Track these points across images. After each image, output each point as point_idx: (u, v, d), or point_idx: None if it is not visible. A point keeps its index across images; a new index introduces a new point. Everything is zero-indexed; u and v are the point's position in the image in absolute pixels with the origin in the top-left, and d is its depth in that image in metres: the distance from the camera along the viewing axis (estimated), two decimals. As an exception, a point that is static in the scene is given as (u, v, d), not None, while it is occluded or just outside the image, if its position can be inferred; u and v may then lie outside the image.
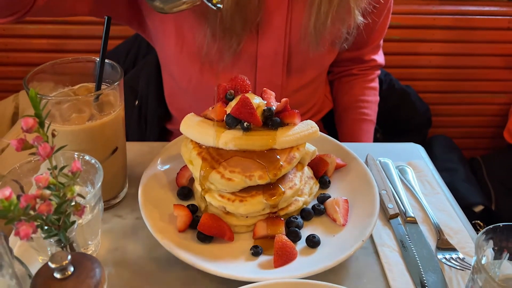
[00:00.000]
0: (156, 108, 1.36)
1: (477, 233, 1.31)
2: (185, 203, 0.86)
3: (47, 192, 0.51)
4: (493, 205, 1.56)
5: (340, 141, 1.39)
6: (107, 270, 0.75)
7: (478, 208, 1.50)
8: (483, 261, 0.68)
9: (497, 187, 1.65)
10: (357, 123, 1.37)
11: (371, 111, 1.38)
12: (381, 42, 1.35)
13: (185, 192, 0.87)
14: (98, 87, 0.78)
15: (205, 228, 0.76)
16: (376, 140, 1.43)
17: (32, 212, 0.51)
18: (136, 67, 1.49)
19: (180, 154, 0.86)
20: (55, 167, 0.60)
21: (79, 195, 0.56)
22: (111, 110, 0.78)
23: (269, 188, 0.80)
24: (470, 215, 1.49)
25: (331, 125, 1.45)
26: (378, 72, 1.43)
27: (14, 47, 1.82)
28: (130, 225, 0.85)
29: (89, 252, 0.77)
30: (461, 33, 1.84)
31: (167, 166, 0.92)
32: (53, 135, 0.58)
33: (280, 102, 0.84)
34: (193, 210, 0.84)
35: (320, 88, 1.32)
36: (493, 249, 0.67)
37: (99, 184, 0.71)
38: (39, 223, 0.54)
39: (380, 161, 1.02)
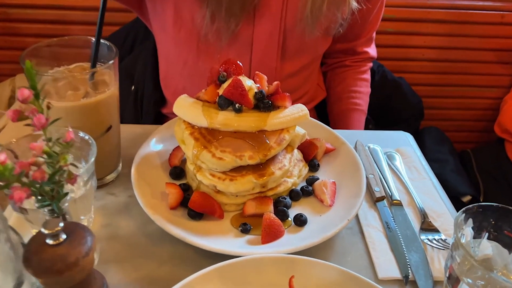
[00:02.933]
0: (152, 93, 1.38)
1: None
2: (177, 182, 0.88)
3: (41, 159, 0.53)
4: (481, 196, 1.59)
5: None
6: (100, 243, 0.77)
7: (466, 198, 1.53)
8: (462, 240, 0.70)
9: (486, 179, 1.68)
10: (348, 112, 1.39)
11: (363, 102, 1.41)
12: (374, 35, 1.38)
13: (177, 171, 0.89)
14: (93, 66, 0.80)
15: (195, 205, 0.79)
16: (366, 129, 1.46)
17: (26, 180, 0.53)
18: (133, 52, 1.51)
19: (173, 136, 0.88)
20: (50, 139, 0.61)
21: (72, 164, 0.58)
22: (106, 89, 0.80)
23: (259, 168, 0.82)
24: (458, 204, 1.50)
25: (324, 114, 1.47)
26: (370, 64, 1.46)
27: (10, 31, 1.83)
28: (123, 203, 0.87)
29: (82, 227, 0.79)
30: (455, 27, 1.86)
31: (160, 147, 0.94)
32: (48, 108, 0.59)
33: (272, 85, 0.86)
34: (185, 189, 0.86)
35: (313, 76, 1.35)
36: (472, 228, 0.70)
37: (93, 158, 0.73)
38: (33, 191, 0.56)
39: (369, 147, 1.05)
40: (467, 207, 0.69)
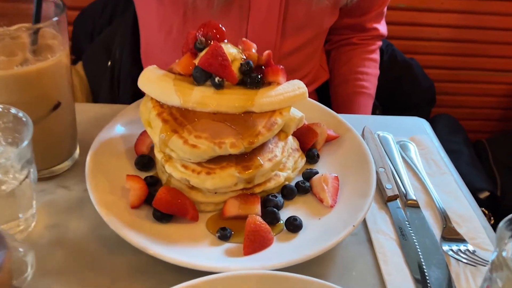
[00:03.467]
0: (130, 69, 1.21)
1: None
2: (144, 175, 0.72)
3: None
4: (498, 191, 1.43)
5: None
6: (40, 250, 0.61)
7: (484, 194, 1.38)
8: (505, 256, 0.54)
9: (503, 172, 1.52)
10: (354, 96, 1.23)
11: (370, 84, 1.25)
12: (385, 10, 1.22)
13: (144, 161, 0.72)
14: (36, 20, 0.63)
15: (162, 205, 0.62)
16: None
17: None
18: (112, 25, 1.34)
19: (142, 118, 0.71)
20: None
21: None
22: (50, 55, 0.63)
23: (244, 159, 0.66)
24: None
25: (327, 97, 1.31)
26: (380, 43, 1.30)
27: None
28: (76, 198, 0.71)
29: (19, 228, 0.63)
30: (472, 3, 1.68)
31: (126, 130, 0.77)
32: None
33: (262, 55, 0.70)
34: (153, 182, 0.70)
35: (316, 54, 1.19)
36: (516, 241, 0.54)
37: (26, 142, 0.57)
38: None
39: (378, 135, 0.88)
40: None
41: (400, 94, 1.56)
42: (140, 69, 1.20)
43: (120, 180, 0.68)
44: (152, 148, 0.75)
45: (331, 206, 0.68)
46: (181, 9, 1.00)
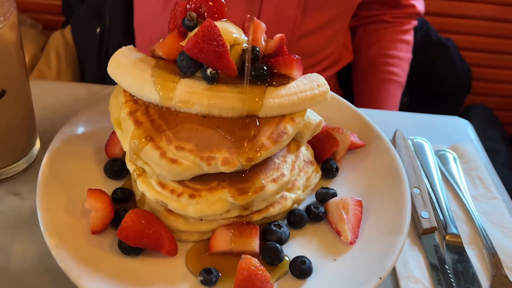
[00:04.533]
0: (121, 39, 1.05)
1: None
2: (115, 184, 0.57)
3: None
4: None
5: (358, 105, 1.09)
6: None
7: (521, 203, 1.20)
8: None
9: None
10: (382, 83, 1.06)
11: (401, 71, 1.08)
12: None
13: (115, 167, 0.57)
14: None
15: (128, 236, 0.47)
16: (401, 105, 1.13)
17: None
18: (106, -15, 1.16)
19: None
20: None
21: None
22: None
23: (240, 178, 0.50)
24: None
25: (348, 82, 1.13)
26: (415, 22, 1.12)
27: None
28: (29, 210, 0.56)
29: None
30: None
31: (98, 124, 0.61)
32: None
33: (273, 39, 0.53)
34: (123, 197, 0.55)
35: (340, 33, 1.02)
36: None
37: None
38: None
39: (412, 141, 0.72)
40: None
41: (433, 79, 1.37)
42: (132, 41, 1.04)
43: (82, 192, 0.53)
44: (127, 150, 0.59)
45: (351, 243, 0.52)
46: None
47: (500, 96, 1.68)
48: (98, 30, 1.08)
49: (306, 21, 0.91)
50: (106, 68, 1.10)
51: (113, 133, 0.59)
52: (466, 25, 1.55)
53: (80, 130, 0.60)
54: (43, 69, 1.11)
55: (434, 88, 1.38)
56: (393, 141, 0.70)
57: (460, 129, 0.80)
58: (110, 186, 0.57)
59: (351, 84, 1.15)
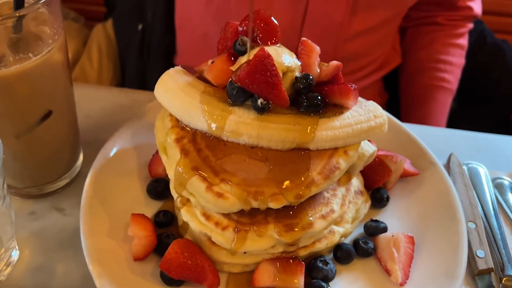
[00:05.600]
0: (163, 37, 1.04)
1: None
2: (157, 205, 0.56)
3: None
4: None
5: (404, 112, 1.04)
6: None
7: None
8: None
9: None
10: (431, 90, 1.01)
11: (452, 77, 1.02)
12: None
13: (159, 189, 0.56)
14: (18, 3, 0.45)
15: (171, 268, 0.46)
16: (450, 110, 1.07)
17: None
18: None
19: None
20: None
21: None
22: (34, 52, 0.45)
23: (287, 213, 0.47)
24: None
25: (395, 86, 1.08)
26: (471, 25, 1.05)
27: None
28: (72, 227, 0.56)
29: (-7, 273, 0.49)
30: None
31: (142, 141, 0.60)
32: None
33: (328, 64, 0.49)
34: (166, 221, 0.54)
35: (389, 36, 0.96)
36: None
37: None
38: None
39: (468, 167, 0.67)
40: None
41: (485, 84, 1.29)
42: (174, 38, 1.02)
43: (126, 214, 0.52)
44: (170, 170, 0.58)
45: (401, 285, 0.50)
46: None
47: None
48: (140, 27, 1.07)
49: (354, 24, 0.86)
50: (147, 65, 1.09)
51: (157, 152, 0.57)
52: (525, 25, 1.45)
53: (123, 145, 0.59)
54: (85, 65, 1.11)
55: (485, 92, 1.30)
56: (447, 166, 0.66)
57: (519, 151, 0.74)
58: (152, 206, 0.56)
59: (398, 88, 1.10)
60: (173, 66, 1.05)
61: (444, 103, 1.01)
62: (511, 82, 1.30)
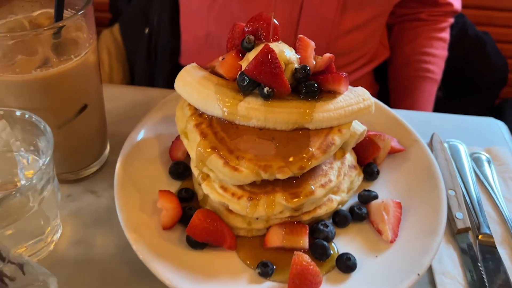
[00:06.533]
0: (169, 39, 1.12)
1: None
2: (179, 185, 0.64)
3: None
4: None
5: (393, 102, 1.13)
6: (64, 272, 0.56)
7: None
8: None
9: None
10: (417, 80, 1.09)
11: (437, 68, 1.10)
12: None
13: (179, 170, 0.64)
14: (58, 16, 0.53)
15: (196, 232, 0.55)
16: (436, 99, 1.15)
17: None
18: (152, -15, 1.22)
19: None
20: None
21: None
22: (74, 54, 0.54)
23: (292, 184, 0.56)
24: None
25: (384, 78, 1.17)
26: (452, 20, 1.13)
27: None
28: (105, 207, 0.64)
29: (43, 246, 0.57)
30: None
31: (161, 130, 0.69)
32: None
33: (322, 57, 0.58)
34: (187, 197, 0.62)
35: (377, 32, 1.04)
36: None
37: (48, 159, 0.49)
38: None
39: (449, 144, 0.76)
40: None
41: (468, 73, 1.38)
42: (179, 39, 1.10)
43: (152, 192, 0.61)
44: (188, 154, 0.66)
45: (391, 242, 0.58)
46: None
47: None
48: (146, 30, 1.15)
49: (345, 21, 0.94)
50: (155, 67, 1.17)
51: (176, 138, 0.66)
52: (504, 17, 1.54)
53: (145, 135, 0.68)
54: (97, 68, 1.19)
55: (469, 82, 1.39)
56: (430, 144, 0.75)
57: (495, 131, 0.83)
58: (173, 185, 0.64)
59: (387, 79, 1.18)
60: (178, 66, 1.14)
61: (430, 92, 1.10)
62: (492, 71, 1.40)
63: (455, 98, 1.36)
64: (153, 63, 1.16)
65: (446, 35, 1.12)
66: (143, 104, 0.79)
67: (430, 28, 1.10)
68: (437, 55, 1.10)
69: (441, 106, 1.23)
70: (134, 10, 1.22)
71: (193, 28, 1.06)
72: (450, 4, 1.08)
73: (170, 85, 1.09)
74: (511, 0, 1.51)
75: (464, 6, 1.18)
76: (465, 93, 1.39)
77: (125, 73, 1.22)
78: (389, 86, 1.15)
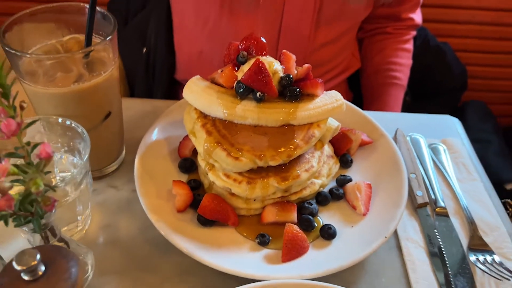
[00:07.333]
0: (165, 57, 1.23)
1: (508, 213, 1.19)
2: (187, 177, 0.77)
3: (7, 184, 0.42)
4: (526, 181, 1.44)
5: (366, 106, 1.28)
6: (96, 251, 0.67)
7: (510, 186, 1.39)
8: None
9: (532, 161, 1.51)
10: (386, 87, 1.23)
11: (403, 75, 1.25)
12: (421, 0, 1.20)
13: (187, 165, 0.77)
14: (88, 41, 0.66)
15: (206, 212, 0.67)
16: (404, 103, 1.31)
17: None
18: (146, 8, 1.35)
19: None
20: (28, 143, 0.50)
21: (47, 185, 0.46)
22: (103, 70, 0.67)
23: (282, 170, 0.69)
24: (501, 192, 1.36)
25: (357, 86, 1.31)
26: (414, 33, 1.28)
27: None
28: (125, 198, 0.76)
29: (77, 229, 0.69)
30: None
31: (169, 132, 0.81)
32: (22, 108, 0.47)
33: (302, 67, 0.71)
34: (195, 186, 0.74)
35: (348, 45, 1.18)
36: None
37: (86, 157, 0.61)
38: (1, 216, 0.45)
39: (411, 137, 0.90)
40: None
41: (431, 80, 1.54)
42: (174, 56, 1.22)
43: (165, 183, 0.73)
44: (193, 152, 0.79)
45: (364, 214, 0.72)
46: (217, 2, 1.01)
47: (494, 91, 1.85)
48: (144, 50, 1.28)
49: (318, 37, 1.08)
50: (153, 82, 1.28)
51: (184, 138, 0.79)
52: (461, 29, 1.72)
53: (157, 137, 0.80)
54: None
55: (433, 87, 1.55)
56: (395, 138, 0.89)
57: (450, 126, 0.98)
58: (182, 177, 0.77)
59: (360, 87, 1.33)
60: (174, 80, 1.26)
61: (397, 96, 1.24)
62: (453, 77, 1.57)
63: (422, 102, 1.52)
64: (151, 79, 1.27)
65: (410, 46, 1.27)
66: (150, 113, 0.91)
67: (395, 40, 1.25)
68: (402, 64, 1.25)
69: (409, 110, 1.38)
70: (132, 31, 1.34)
71: (187, 46, 1.18)
72: (412, 19, 1.24)
73: (167, 97, 1.21)
74: (467, 14, 1.70)
75: (426, 20, 1.34)
76: (430, 97, 1.55)
77: (125, 88, 1.34)
78: (362, 93, 1.29)
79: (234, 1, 1.00)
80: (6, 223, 0.46)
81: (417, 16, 1.25)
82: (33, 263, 0.45)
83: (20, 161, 0.48)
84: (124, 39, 1.38)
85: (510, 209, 1.32)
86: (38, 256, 0.46)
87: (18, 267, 0.45)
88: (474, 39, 1.75)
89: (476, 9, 1.67)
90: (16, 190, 0.46)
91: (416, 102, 1.52)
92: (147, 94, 1.26)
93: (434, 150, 0.89)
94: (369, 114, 0.86)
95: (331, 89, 1.19)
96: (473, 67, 1.73)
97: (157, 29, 1.24)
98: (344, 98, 0.89)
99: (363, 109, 1.26)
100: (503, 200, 1.36)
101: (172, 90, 1.26)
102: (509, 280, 0.66)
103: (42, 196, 0.45)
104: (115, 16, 1.43)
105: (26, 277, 0.46)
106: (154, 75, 1.25)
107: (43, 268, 0.47)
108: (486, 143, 1.46)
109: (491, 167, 1.40)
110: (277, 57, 0.73)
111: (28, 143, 0.49)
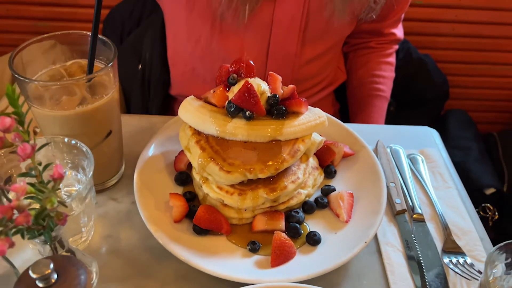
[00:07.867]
0: (160, 74, 1.29)
1: (487, 216, 1.26)
2: (183, 189, 0.82)
3: (25, 202, 0.48)
4: (505, 186, 1.51)
5: (352, 116, 1.34)
6: (99, 259, 0.73)
7: (490, 191, 1.46)
8: (494, 275, 0.64)
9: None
10: (370, 98, 1.30)
11: (386, 87, 1.31)
12: (402, 16, 1.27)
13: (182, 178, 0.83)
14: (90, 67, 0.72)
15: (201, 222, 0.73)
16: (388, 113, 1.38)
17: (10, 223, 0.48)
18: (141, 26, 1.41)
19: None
20: (40, 164, 0.55)
21: (60, 202, 0.52)
22: (104, 93, 0.72)
23: (270, 181, 0.75)
24: (481, 197, 1.44)
25: (343, 98, 1.38)
26: (396, 47, 1.35)
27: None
28: (125, 210, 0.82)
29: (81, 240, 0.75)
30: (490, 0, 1.70)
31: (165, 148, 0.87)
32: (35, 133, 0.53)
33: (287, 87, 0.78)
34: (191, 198, 0.80)
35: (333, 60, 1.25)
36: (506, 264, 0.64)
37: (91, 173, 0.67)
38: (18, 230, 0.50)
39: (391, 148, 0.97)
40: (501, 245, 0.62)
41: (415, 90, 1.61)
42: (169, 73, 1.28)
43: (162, 195, 0.79)
44: (188, 165, 0.85)
45: (346, 221, 0.78)
46: (209, 21, 1.07)
47: (474, 99, 1.93)
48: (139, 67, 1.33)
49: (305, 53, 1.13)
50: (149, 98, 1.34)
51: (180, 153, 0.84)
52: (442, 41, 1.80)
53: (154, 152, 0.86)
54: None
55: (417, 97, 1.62)
56: (375, 149, 0.96)
57: (428, 137, 1.05)
58: (178, 190, 0.82)
59: (346, 98, 1.40)
60: (169, 96, 1.32)
61: (381, 107, 1.31)
62: (434, 86, 1.64)
63: (405, 111, 1.60)
64: (147, 94, 1.32)
65: (392, 59, 1.34)
66: (147, 129, 0.97)
67: (378, 54, 1.31)
68: (386, 77, 1.32)
69: (393, 119, 1.45)
70: (127, 49, 1.40)
71: (180, 63, 1.23)
72: (394, 34, 1.30)
73: (163, 111, 1.27)
74: (447, 27, 1.78)
75: (408, 33, 1.42)
76: (414, 107, 1.63)
77: (122, 107, 1.39)
78: (348, 104, 1.36)
79: (224, 22, 1.06)
80: (23, 236, 0.51)
81: (398, 31, 1.32)
82: (47, 272, 0.51)
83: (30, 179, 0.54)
84: (120, 56, 1.43)
85: (490, 213, 1.40)
86: (52, 265, 0.51)
87: (33, 275, 0.50)
88: (454, 50, 1.83)
89: (456, 22, 1.75)
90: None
91: (400, 112, 1.59)
92: (143, 109, 1.31)
93: (412, 160, 0.95)
94: (351, 127, 0.93)
95: (319, 101, 1.28)
96: (454, 77, 1.81)
97: (152, 47, 1.30)
98: (331, 109, 0.95)
99: (349, 119, 1.34)
100: (482, 205, 1.45)
101: (167, 105, 1.32)
102: (477, 280, 0.72)
103: (54, 212, 0.51)
104: (111, 32, 1.48)
105: (40, 284, 0.51)
106: (149, 90, 1.31)
107: (55, 276, 0.52)
108: (467, 150, 1.53)
109: (471, 173, 1.47)
110: (266, 73, 0.79)
111: (40, 164, 0.55)
